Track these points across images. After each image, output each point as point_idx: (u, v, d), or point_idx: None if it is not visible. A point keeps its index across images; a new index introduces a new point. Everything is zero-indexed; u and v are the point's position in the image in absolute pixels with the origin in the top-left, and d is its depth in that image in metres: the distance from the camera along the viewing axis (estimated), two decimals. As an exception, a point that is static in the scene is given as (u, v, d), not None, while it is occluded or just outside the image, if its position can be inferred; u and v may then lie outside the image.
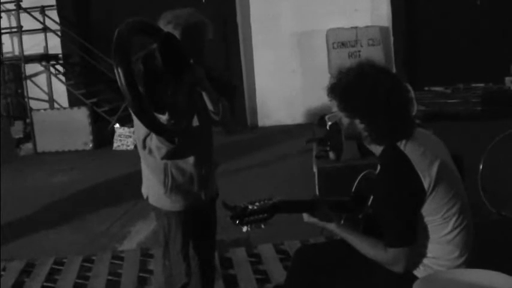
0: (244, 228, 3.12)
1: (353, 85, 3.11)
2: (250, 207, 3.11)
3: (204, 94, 3.69)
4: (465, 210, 3.13)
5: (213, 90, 3.71)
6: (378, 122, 3.08)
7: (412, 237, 3.06)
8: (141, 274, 5.77)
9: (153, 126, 3.36)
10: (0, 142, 12.90)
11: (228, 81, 3.96)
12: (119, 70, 3.12)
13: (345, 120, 3.21)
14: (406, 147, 3.07)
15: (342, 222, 3.35)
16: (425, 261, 3.13)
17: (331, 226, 3.28)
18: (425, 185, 2.99)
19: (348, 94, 3.12)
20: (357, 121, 3.14)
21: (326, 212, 3.29)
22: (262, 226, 3.15)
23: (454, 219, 3.06)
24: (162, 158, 3.71)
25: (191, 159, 3.86)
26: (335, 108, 3.24)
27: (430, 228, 3.08)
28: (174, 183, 3.87)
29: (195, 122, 3.82)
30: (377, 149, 3.20)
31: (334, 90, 3.19)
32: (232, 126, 3.86)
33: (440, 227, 3.06)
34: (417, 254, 3.12)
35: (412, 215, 3.04)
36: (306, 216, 3.30)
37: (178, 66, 3.41)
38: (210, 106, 3.75)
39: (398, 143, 3.09)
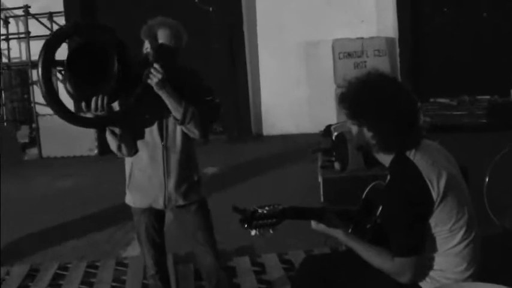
0: (253, 232, 3.14)
1: (360, 93, 3.13)
2: (259, 211, 3.13)
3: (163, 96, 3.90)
4: (472, 223, 3.13)
5: (176, 94, 3.92)
6: (385, 129, 3.10)
7: (420, 248, 3.06)
8: (144, 281, 5.75)
9: (61, 112, 3.78)
10: (2, 145, 12.94)
11: (208, 93, 4.08)
12: (39, 67, 3.63)
13: (354, 129, 3.23)
14: (416, 157, 3.08)
15: (350, 231, 3.36)
16: (432, 273, 3.13)
17: (339, 234, 3.28)
18: (434, 196, 2.99)
19: (356, 102, 3.14)
20: (365, 129, 3.15)
21: (334, 220, 3.30)
22: (271, 231, 3.17)
23: (461, 232, 3.07)
24: (120, 153, 4.11)
25: (146, 161, 4.13)
26: (346, 118, 3.25)
27: (437, 240, 3.08)
28: (134, 182, 4.22)
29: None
30: (386, 159, 3.21)
31: (343, 99, 3.21)
32: (201, 134, 3.99)
33: (448, 239, 3.06)
34: (424, 265, 3.13)
35: (420, 225, 3.04)
36: (313, 224, 3.31)
37: (96, 69, 3.72)
38: (172, 110, 3.96)
39: (408, 153, 3.10)
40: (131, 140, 4.08)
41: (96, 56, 3.73)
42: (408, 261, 3.05)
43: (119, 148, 4.07)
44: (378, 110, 3.08)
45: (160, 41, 3.92)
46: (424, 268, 3.13)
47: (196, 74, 4.18)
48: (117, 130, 3.97)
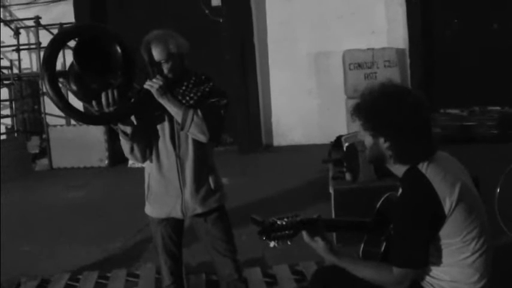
0: (272, 244, 3.13)
1: (378, 103, 3.11)
2: (278, 222, 3.12)
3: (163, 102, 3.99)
4: (485, 234, 3.11)
5: (176, 101, 3.99)
6: (402, 139, 3.08)
7: (423, 262, 3.05)
8: (156, 292, 5.77)
9: (67, 110, 3.88)
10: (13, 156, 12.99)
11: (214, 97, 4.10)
12: (43, 70, 3.75)
13: (369, 141, 3.20)
14: (428, 170, 3.06)
15: (363, 242, 3.34)
16: (444, 284, 3.11)
17: (323, 251, 3.26)
18: (446, 210, 2.98)
19: (373, 113, 3.12)
20: (381, 140, 3.13)
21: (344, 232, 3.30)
22: (289, 242, 3.16)
23: (473, 243, 3.05)
24: (133, 157, 4.14)
25: (161, 170, 4.19)
26: (359, 129, 3.23)
27: (450, 251, 3.06)
28: (152, 191, 4.26)
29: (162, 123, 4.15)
30: (400, 171, 3.19)
31: (358, 110, 3.19)
32: (207, 137, 4.01)
33: (460, 250, 3.05)
34: (437, 276, 3.12)
35: (426, 240, 3.03)
36: (306, 237, 3.29)
37: (102, 64, 3.81)
38: (174, 116, 4.04)
39: (420, 166, 3.09)
40: (143, 139, 4.10)
41: (99, 51, 3.82)
42: (408, 273, 3.04)
43: (132, 150, 4.09)
44: (396, 120, 3.06)
45: (155, 56, 4.01)
46: (437, 279, 3.12)
47: (202, 79, 4.15)
48: (128, 129, 4.00)
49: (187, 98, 4.02)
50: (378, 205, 3.55)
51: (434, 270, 3.13)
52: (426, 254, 3.05)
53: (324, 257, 3.31)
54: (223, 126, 4.17)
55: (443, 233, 3.04)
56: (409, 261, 3.04)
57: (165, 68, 4.01)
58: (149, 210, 4.35)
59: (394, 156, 3.15)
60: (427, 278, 3.16)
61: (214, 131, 4.04)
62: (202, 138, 4.02)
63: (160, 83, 3.92)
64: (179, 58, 4.05)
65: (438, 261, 3.10)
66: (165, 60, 3.99)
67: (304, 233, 3.26)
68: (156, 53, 4.00)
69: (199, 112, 3.97)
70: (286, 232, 3.13)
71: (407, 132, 3.07)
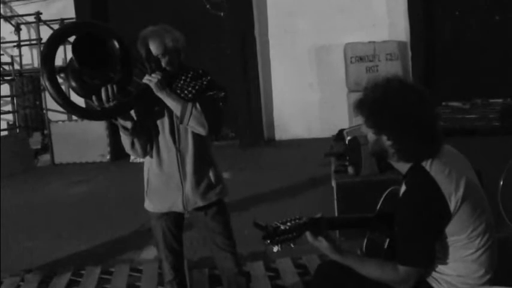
0: (275, 248, 3.11)
1: (381, 100, 3.06)
2: (282, 227, 3.11)
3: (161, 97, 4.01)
4: (490, 229, 3.08)
5: (174, 95, 4.00)
6: (405, 138, 3.03)
7: (429, 260, 3.04)
8: (159, 287, 5.75)
9: (67, 106, 3.89)
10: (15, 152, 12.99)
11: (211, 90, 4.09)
12: (42, 68, 3.83)
13: (371, 137, 3.16)
14: (432, 168, 3.02)
15: (366, 238, 3.33)
16: (450, 279, 3.09)
17: (327, 251, 3.25)
18: (452, 208, 2.95)
19: (376, 110, 3.07)
20: (384, 138, 3.09)
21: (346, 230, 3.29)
22: (292, 245, 3.15)
23: (479, 239, 3.03)
24: (134, 152, 4.15)
25: (161, 165, 4.19)
26: (362, 124, 3.20)
27: (455, 248, 3.04)
28: (152, 186, 4.26)
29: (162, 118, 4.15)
30: (402, 167, 3.16)
31: (361, 106, 3.14)
32: (206, 130, 4.00)
33: (466, 246, 3.03)
34: (443, 271, 3.10)
35: (432, 238, 3.01)
36: (310, 237, 3.27)
37: (100, 59, 3.84)
38: (173, 110, 4.05)
39: (424, 163, 3.05)
40: (143, 134, 4.10)
41: (97, 47, 3.83)
42: (414, 271, 3.02)
43: (132, 146, 4.10)
44: (399, 120, 3.01)
45: (153, 50, 4.02)
46: (442, 274, 3.11)
47: (199, 73, 4.15)
48: (128, 124, 4.00)
49: (186, 91, 4.02)
50: (380, 200, 3.53)
51: (440, 266, 3.12)
52: (432, 252, 3.03)
53: (329, 256, 3.30)
54: (222, 119, 4.18)
55: (449, 230, 3.01)
56: (415, 259, 3.03)
57: (163, 62, 4.01)
58: (149, 205, 4.34)
59: (397, 154, 3.11)
60: (433, 273, 3.14)
61: (213, 123, 4.05)
62: (202, 131, 4.03)
63: (159, 77, 3.93)
64: (176, 52, 4.06)
65: (443, 258, 3.09)
66: (162, 54, 4.00)
67: (307, 234, 3.24)
68: (154, 48, 4.00)
69: (197, 105, 3.99)
70: (290, 235, 3.11)
71: (410, 131, 3.02)
